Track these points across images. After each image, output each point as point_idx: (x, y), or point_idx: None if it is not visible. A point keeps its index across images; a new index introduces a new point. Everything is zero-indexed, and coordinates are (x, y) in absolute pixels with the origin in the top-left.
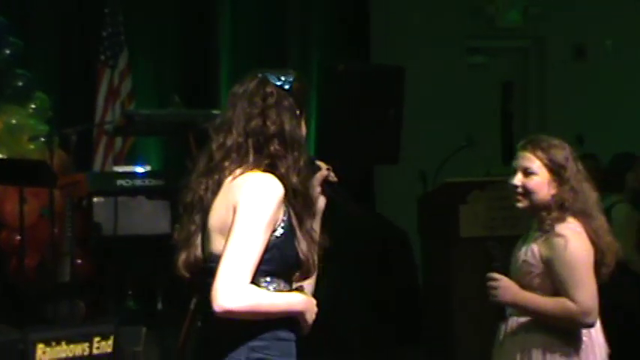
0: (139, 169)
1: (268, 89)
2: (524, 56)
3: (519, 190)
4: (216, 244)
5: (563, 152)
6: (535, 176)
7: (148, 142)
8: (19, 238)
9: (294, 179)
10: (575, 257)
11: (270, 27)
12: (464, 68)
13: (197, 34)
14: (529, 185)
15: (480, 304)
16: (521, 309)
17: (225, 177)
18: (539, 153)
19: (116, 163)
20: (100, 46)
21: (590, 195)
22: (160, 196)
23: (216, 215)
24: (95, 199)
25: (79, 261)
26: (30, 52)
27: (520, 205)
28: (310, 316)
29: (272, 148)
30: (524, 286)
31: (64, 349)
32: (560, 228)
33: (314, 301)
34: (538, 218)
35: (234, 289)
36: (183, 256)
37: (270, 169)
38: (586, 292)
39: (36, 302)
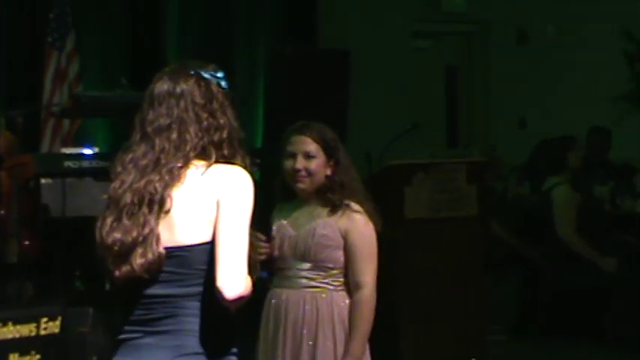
0: (87, 151)
1: (212, 88)
2: (468, 41)
3: (302, 173)
4: (188, 234)
5: (332, 134)
6: (314, 159)
7: (96, 124)
8: None
9: None
10: (371, 234)
11: (217, 9)
12: (409, 52)
13: (144, 16)
14: (311, 168)
15: (422, 282)
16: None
17: (188, 169)
18: (316, 136)
19: (64, 144)
20: (47, 27)
21: (358, 177)
22: (107, 177)
23: (190, 207)
24: (43, 181)
25: (27, 242)
26: None
27: (302, 186)
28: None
29: (225, 151)
30: (322, 260)
31: (11, 330)
32: (354, 205)
33: None
34: (323, 199)
35: (242, 277)
36: (138, 257)
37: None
38: (374, 270)
39: None
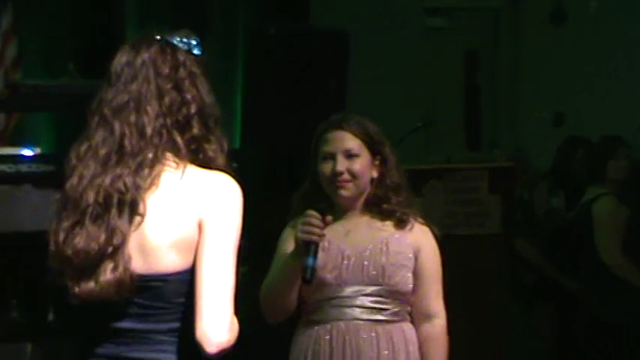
0: (26, 152)
1: (179, 56)
2: (492, 19)
3: (345, 176)
4: (164, 261)
5: (375, 127)
6: (358, 158)
7: (37, 118)
8: None
9: (221, 161)
10: (439, 252)
11: None
12: (420, 33)
13: None
14: (355, 169)
15: None
16: None
17: (162, 170)
18: (356, 130)
19: None
20: None
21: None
22: (51, 184)
23: (167, 227)
24: None
25: None
26: None
27: (346, 193)
28: None
29: (195, 130)
30: (396, 283)
31: None
32: (416, 215)
33: None
34: (379, 212)
35: (227, 325)
36: (108, 272)
37: (198, 154)
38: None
39: None
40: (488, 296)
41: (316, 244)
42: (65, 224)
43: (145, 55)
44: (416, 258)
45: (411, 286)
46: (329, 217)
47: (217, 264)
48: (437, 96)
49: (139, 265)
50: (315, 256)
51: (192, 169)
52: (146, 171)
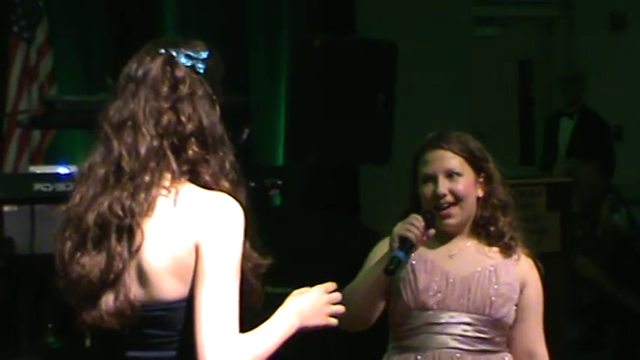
0: (62, 170)
1: (179, 74)
2: (547, 28)
3: (448, 198)
4: (165, 288)
5: (476, 142)
6: (461, 177)
7: (74, 135)
8: None
9: (226, 185)
10: (542, 289)
11: None
12: (471, 43)
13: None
14: (458, 189)
15: None
16: None
17: (158, 195)
18: (457, 148)
19: (33, 162)
20: (13, 14)
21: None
22: None
23: (165, 253)
24: (6, 208)
25: None
26: None
27: (454, 221)
28: (320, 315)
29: (190, 151)
30: (503, 315)
31: None
32: (522, 243)
33: (315, 293)
34: (486, 235)
35: (230, 351)
36: (109, 301)
37: (192, 177)
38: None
39: None
40: (547, 319)
41: (411, 243)
42: (68, 246)
43: (147, 69)
44: (521, 291)
45: (512, 319)
46: (432, 230)
47: (214, 288)
48: (488, 108)
49: (140, 294)
50: (406, 253)
51: (189, 191)
52: (142, 195)
